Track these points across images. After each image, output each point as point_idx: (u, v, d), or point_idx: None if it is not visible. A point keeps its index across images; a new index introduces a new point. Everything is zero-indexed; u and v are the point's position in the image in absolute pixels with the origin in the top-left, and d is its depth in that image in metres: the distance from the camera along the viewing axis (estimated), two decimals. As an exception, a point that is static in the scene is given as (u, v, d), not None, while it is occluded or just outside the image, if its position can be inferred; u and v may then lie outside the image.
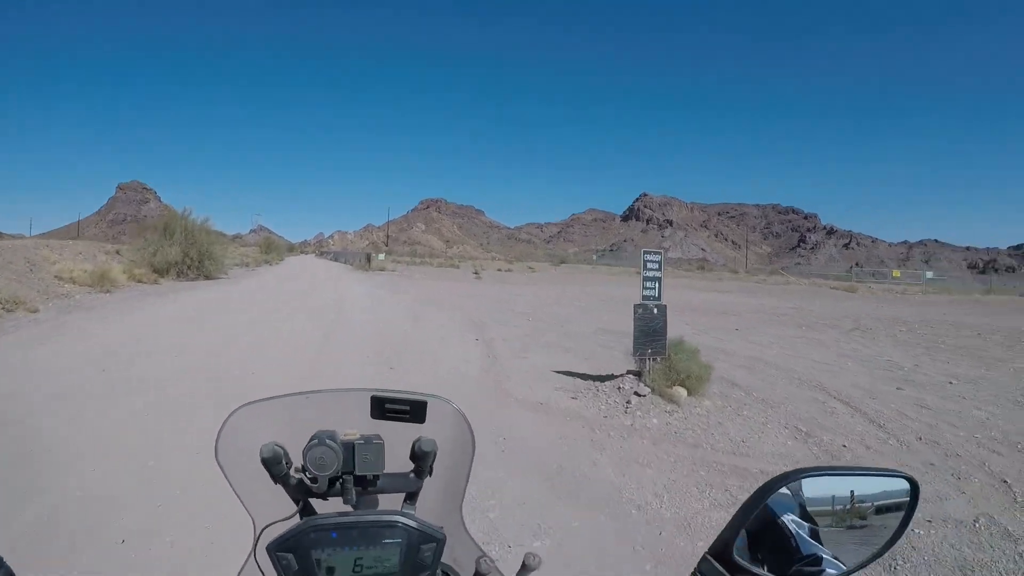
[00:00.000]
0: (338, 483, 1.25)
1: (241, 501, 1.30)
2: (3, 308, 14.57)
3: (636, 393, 8.55)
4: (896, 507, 1.20)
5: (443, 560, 1.23)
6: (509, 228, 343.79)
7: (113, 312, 16.22)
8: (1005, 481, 6.13)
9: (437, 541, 1.18)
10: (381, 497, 1.33)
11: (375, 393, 1.29)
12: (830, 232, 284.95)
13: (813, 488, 1.15)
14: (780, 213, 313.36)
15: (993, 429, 8.13)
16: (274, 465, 1.19)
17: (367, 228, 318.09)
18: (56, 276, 20.72)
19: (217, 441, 1.27)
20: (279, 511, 1.26)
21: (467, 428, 1.39)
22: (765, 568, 1.09)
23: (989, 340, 19.69)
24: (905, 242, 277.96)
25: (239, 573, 1.26)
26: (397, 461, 1.28)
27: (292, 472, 1.24)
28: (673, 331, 16.88)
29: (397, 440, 1.27)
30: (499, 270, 63.26)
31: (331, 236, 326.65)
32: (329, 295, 25.55)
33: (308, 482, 1.24)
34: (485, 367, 10.99)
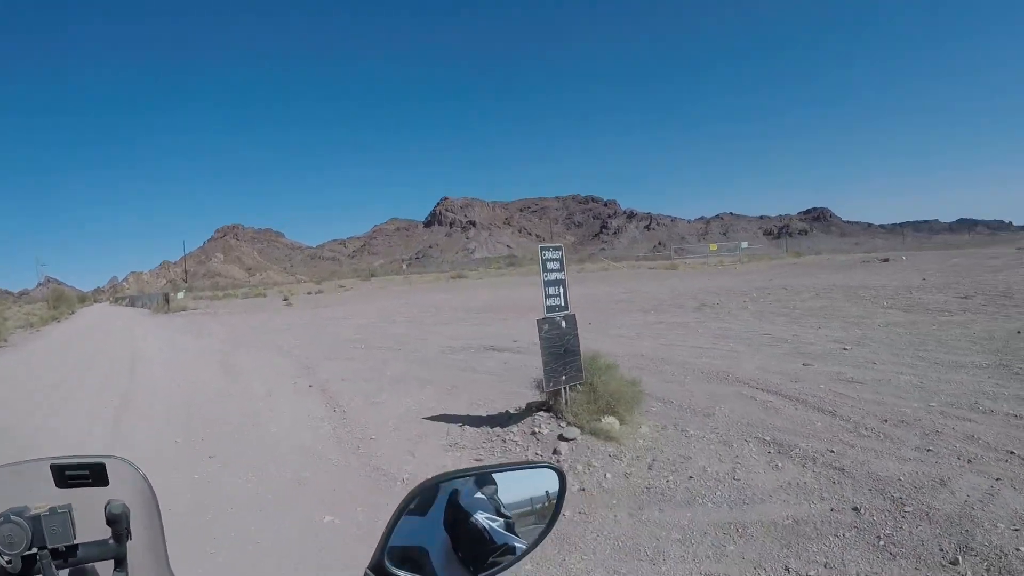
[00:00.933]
0: (36, 557, 1.16)
1: None
2: None
3: (562, 437, 6.43)
4: (545, 500, 1.27)
5: None
6: (311, 247, 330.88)
7: None
8: (1012, 452, 5.60)
9: None
10: (100, 566, 1.27)
11: (54, 461, 1.23)
12: (631, 216, 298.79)
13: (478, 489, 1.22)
14: (580, 203, 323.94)
15: (938, 394, 7.71)
16: None
17: (163, 266, 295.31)
18: None
19: None
20: None
21: (146, 485, 1.33)
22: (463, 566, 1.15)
23: (832, 299, 19.94)
24: (702, 218, 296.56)
25: None
26: (100, 527, 1.21)
27: None
28: (524, 337, 15.55)
29: (97, 507, 1.21)
30: (309, 293, 58.67)
31: (126, 279, 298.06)
32: (122, 352, 20.96)
33: (4, 564, 1.14)
34: (336, 429, 8.30)
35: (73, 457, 1.23)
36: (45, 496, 1.19)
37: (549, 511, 1.28)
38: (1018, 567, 3.73)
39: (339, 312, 31.65)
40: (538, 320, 7.00)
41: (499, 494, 1.24)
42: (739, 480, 5.36)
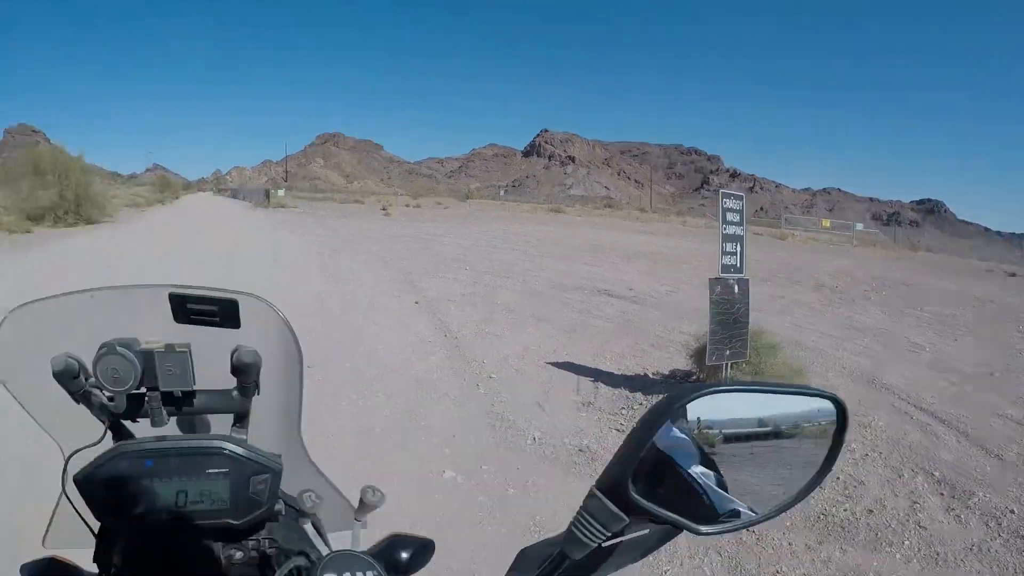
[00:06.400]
0: (145, 399, 1.02)
1: (39, 424, 1.08)
2: None
3: (720, 423, 5.65)
4: (817, 434, 0.91)
5: (285, 491, 1.08)
6: (409, 163, 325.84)
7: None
8: None
9: (271, 472, 1.02)
10: (214, 419, 1.14)
11: (175, 290, 1.06)
12: (733, 175, 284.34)
13: (711, 409, 0.83)
14: (683, 154, 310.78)
15: None
16: (69, 380, 0.97)
17: (265, 164, 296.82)
18: None
19: None
20: (88, 434, 1.04)
21: (290, 335, 1.14)
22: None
23: (960, 308, 17.61)
24: (808, 189, 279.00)
25: (55, 508, 1.10)
26: (221, 376, 1.06)
27: (91, 388, 1.00)
28: (637, 286, 14.83)
29: (220, 351, 1.03)
30: (407, 206, 58.47)
31: (229, 173, 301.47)
32: (222, 242, 20.96)
33: (106, 402, 1.02)
34: (450, 360, 7.69)
35: (200, 288, 1.06)
36: (159, 331, 1.04)
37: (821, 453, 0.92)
38: None
39: (438, 229, 30.97)
40: (711, 279, 6.27)
41: (751, 417, 0.90)
42: (924, 529, 4.61)
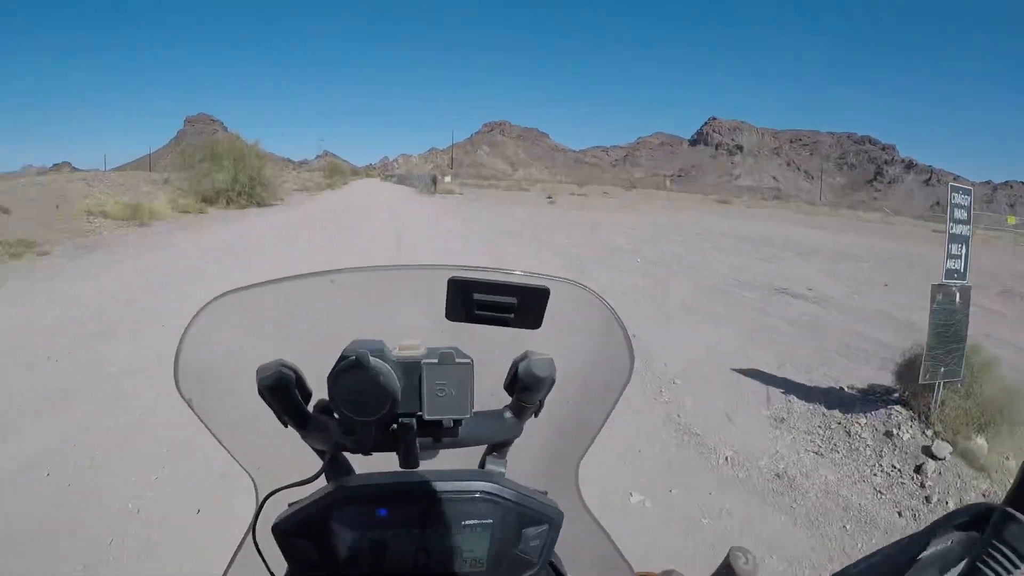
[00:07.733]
0: (392, 428, 0.73)
1: (231, 455, 0.82)
2: (8, 254, 12.01)
3: (928, 452, 4.96)
4: None
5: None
6: (575, 151, 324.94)
7: (131, 252, 13.56)
8: None
9: (550, 523, 0.76)
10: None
11: (457, 275, 0.75)
12: (909, 166, 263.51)
13: None
14: (856, 143, 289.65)
15: None
16: (280, 398, 0.71)
17: (432, 151, 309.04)
18: (86, 211, 18.73)
19: (177, 359, 0.75)
20: (293, 468, 0.77)
21: (623, 340, 0.86)
22: None
23: None
24: (989, 182, 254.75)
25: (232, 559, 0.81)
26: (485, 391, 0.76)
27: (312, 410, 0.75)
28: (816, 285, 13.73)
29: (494, 356, 0.78)
30: (572, 194, 58.45)
31: (396, 160, 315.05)
32: (387, 228, 21.18)
33: (338, 429, 0.74)
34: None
35: (488, 271, 0.76)
36: (410, 327, 0.78)
37: None
38: None
39: (605, 219, 30.17)
40: (933, 286, 5.40)
41: None
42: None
